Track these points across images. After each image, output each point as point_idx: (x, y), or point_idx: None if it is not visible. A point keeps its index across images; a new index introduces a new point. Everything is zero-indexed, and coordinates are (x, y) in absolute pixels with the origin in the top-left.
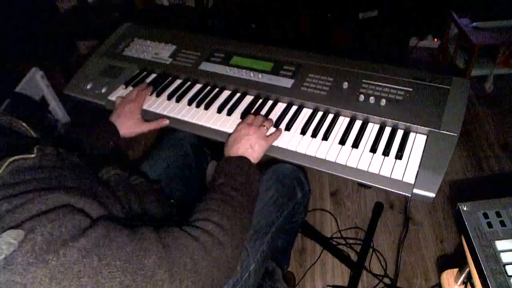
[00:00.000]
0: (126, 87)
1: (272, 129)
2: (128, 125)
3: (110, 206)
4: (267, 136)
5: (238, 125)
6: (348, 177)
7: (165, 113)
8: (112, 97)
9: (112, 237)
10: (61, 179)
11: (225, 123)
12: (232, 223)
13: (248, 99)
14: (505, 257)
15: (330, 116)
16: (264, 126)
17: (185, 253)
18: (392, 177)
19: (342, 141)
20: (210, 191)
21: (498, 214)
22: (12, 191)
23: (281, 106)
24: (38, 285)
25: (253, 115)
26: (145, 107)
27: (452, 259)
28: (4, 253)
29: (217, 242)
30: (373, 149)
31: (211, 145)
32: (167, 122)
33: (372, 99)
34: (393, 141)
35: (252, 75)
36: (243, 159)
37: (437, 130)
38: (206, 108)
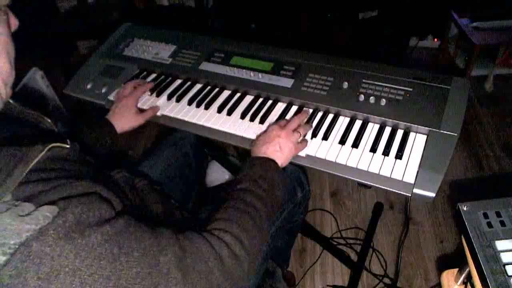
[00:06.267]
0: None
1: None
2: (124, 120)
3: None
4: (298, 143)
5: (269, 126)
6: (348, 177)
7: (165, 113)
8: (112, 97)
9: (132, 230)
10: (87, 173)
11: (225, 123)
12: (251, 238)
13: (248, 99)
14: (505, 257)
15: (330, 116)
16: (299, 132)
17: (201, 259)
18: (392, 177)
19: (342, 141)
20: (233, 197)
21: (498, 214)
22: (47, 175)
23: (281, 106)
24: (64, 259)
25: (285, 120)
26: (144, 107)
27: (452, 259)
28: (41, 224)
29: (233, 255)
30: (373, 149)
31: (211, 145)
32: (159, 108)
33: (372, 99)
34: (393, 141)
35: (252, 75)
36: (269, 162)
37: (437, 130)
38: (206, 108)
